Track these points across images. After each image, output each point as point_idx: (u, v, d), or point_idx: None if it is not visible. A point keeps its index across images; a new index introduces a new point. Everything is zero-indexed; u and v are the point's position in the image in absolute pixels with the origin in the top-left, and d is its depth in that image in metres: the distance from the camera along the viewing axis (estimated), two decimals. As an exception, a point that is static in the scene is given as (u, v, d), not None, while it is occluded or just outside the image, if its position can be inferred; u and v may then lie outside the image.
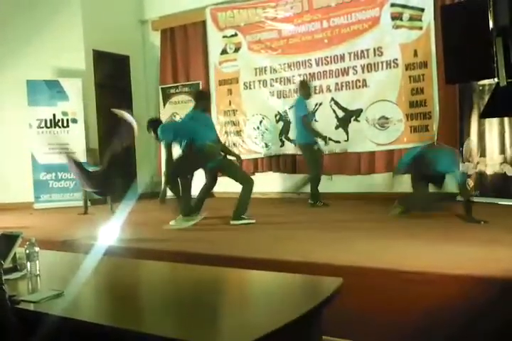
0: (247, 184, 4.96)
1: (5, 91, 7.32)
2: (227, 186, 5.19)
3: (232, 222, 4.82)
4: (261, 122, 7.31)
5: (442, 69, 5.51)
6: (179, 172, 4.80)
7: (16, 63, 7.26)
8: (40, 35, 7.32)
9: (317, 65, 6.82)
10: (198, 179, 5.15)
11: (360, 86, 6.54)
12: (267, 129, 7.25)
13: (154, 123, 4.98)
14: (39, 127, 7.17)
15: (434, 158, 4.64)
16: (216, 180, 5.22)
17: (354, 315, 2.71)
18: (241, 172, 5.22)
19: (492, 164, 5.48)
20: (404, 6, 6.19)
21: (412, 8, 6.13)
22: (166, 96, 8.00)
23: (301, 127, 5.90)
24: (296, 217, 5.38)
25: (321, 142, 6.00)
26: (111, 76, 7.96)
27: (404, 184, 5.04)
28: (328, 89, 6.75)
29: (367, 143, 6.43)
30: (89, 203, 6.30)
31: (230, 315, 1.85)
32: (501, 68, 3.72)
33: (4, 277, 1.87)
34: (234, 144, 7.51)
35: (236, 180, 5.03)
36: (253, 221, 4.83)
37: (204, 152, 4.72)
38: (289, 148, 7.04)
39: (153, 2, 8.16)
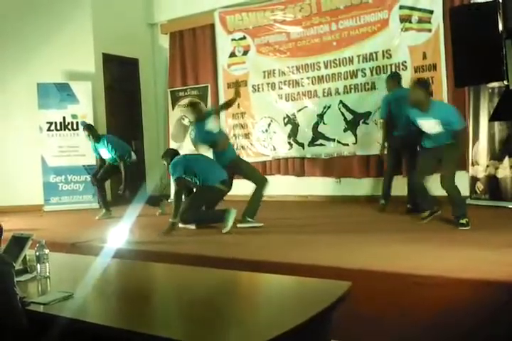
0: (261, 183, 4.98)
1: (16, 95, 7.38)
2: (237, 189, 5.19)
3: (239, 225, 4.80)
4: (269, 125, 7.30)
5: (452, 72, 5.52)
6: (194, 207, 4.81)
7: (27, 66, 7.31)
8: (50, 39, 7.37)
9: (326, 67, 6.80)
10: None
11: (368, 88, 6.50)
12: (275, 132, 7.24)
13: (172, 155, 5.00)
14: (49, 130, 7.21)
15: None
16: (231, 185, 5.16)
17: (363, 318, 2.70)
18: (255, 171, 5.25)
19: (502, 167, 5.44)
20: (412, 8, 6.15)
21: (421, 10, 6.09)
22: (175, 99, 8.02)
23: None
24: (307, 220, 5.36)
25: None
26: (120, 79, 8.01)
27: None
28: (337, 92, 6.72)
29: (376, 145, 6.38)
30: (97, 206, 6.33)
31: (239, 317, 1.85)
32: (511, 71, 3.69)
33: (15, 279, 1.89)
34: (242, 147, 7.51)
35: (249, 179, 5.03)
36: (261, 224, 4.83)
37: (214, 192, 4.80)
38: (297, 151, 7.04)
39: (162, 6, 8.19)
